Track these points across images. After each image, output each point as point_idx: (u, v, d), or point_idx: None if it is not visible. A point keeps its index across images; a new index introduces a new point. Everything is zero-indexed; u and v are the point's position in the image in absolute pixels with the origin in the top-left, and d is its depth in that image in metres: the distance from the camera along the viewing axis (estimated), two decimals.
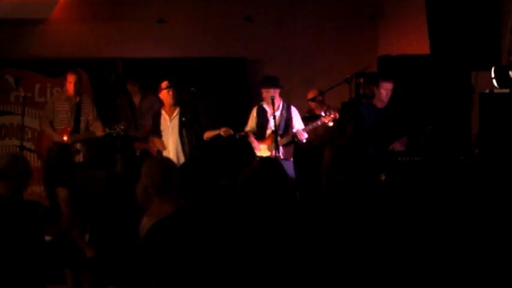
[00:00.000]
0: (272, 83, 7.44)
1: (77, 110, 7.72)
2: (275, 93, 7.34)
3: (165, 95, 7.55)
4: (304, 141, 7.42)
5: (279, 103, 7.48)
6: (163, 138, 7.58)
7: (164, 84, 7.57)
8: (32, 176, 4.45)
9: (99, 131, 7.63)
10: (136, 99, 8.27)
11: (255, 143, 7.53)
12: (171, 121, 7.57)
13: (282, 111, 7.46)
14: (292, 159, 7.40)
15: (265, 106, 7.46)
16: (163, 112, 7.62)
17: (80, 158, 7.68)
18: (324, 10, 9.53)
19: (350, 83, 7.60)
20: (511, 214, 5.26)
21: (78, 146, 7.69)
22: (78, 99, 7.75)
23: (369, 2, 9.54)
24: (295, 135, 7.35)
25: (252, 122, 7.65)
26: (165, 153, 7.54)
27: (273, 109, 7.28)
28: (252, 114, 7.65)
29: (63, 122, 7.71)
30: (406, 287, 4.49)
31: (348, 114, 7.53)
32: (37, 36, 8.89)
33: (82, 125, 7.75)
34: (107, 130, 7.64)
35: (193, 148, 7.51)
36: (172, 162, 4.19)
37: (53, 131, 7.67)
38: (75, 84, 7.67)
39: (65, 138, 7.55)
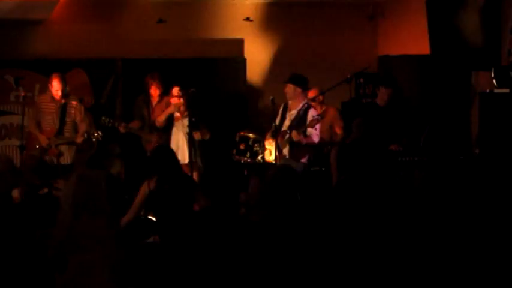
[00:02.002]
0: (290, 78, 7.45)
1: (62, 112, 7.65)
2: (289, 89, 7.35)
3: (176, 101, 7.72)
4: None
5: (301, 103, 7.43)
6: (173, 134, 7.73)
7: (176, 91, 7.68)
8: (17, 174, 4.45)
9: (78, 135, 7.62)
10: (154, 101, 8.23)
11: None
12: (182, 119, 7.68)
13: (300, 110, 7.43)
14: (303, 160, 7.36)
15: (289, 104, 7.47)
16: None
17: (64, 160, 7.62)
18: (324, 10, 9.53)
19: (350, 83, 7.59)
20: (511, 214, 5.26)
21: (62, 148, 7.62)
22: (64, 100, 7.67)
23: (369, 2, 9.54)
24: (290, 136, 7.35)
25: (277, 119, 7.65)
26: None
27: (274, 109, 7.29)
28: (279, 111, 7.68)
29: (49, 124, 7.65)
30: (406, 287, 4.48)
31: (353, 114, 7.52)
32: (37, 36, 8.88)
33: (67, 127, 7.68)
34: (85, 136, 7.61)
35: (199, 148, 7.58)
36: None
37: (38, 133, 7.63)
38: (62, 90, 7.58)
39: (44, 143, 7.54)
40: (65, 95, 7.69)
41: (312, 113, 7.39)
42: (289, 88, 7.40)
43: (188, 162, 7.45)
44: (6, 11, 8.17)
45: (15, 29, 8.70)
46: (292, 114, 7.38)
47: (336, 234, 4.30)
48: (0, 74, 8.58)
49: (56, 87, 7.57)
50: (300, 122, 7.37)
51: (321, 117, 7.33)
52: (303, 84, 7.45)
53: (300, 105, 7.44)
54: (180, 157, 7.47)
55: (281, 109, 7.66)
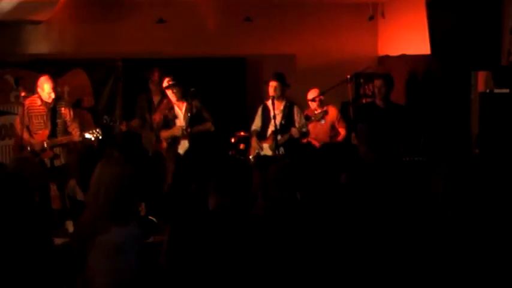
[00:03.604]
0: (275, 76, 7.44)
1: (53, 113, 7.45)
2: (273, 88, 7.35)
3: (169, 93, 7.70)
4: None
5: (282, 102, 7.46)
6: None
7: (166, 82, 7.67)
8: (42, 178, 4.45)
9: (75, 135, 7.43)
10: (156, 99, 8.22)
11: (253, 144, 7.56)
12: (182, 112, 7.70)
13: (284, 110, 7.45)
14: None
15: (269, 105, 7.44)
16: (174, 105, 7.78)
17: (59, 162, 7.45)
18: (324, 10, 9.53)
19: (350, 83, 7.59)
20: (511, 214, 5.26)
21: (57, 150, 7.42)
22: (54, 102, 7.44)
23: (369, 2, 9.54)
24: (290, 134, 7.37)
25: (257, 121, 7.66)
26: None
27: (273, 108, 7.28)
28: (257, 113, 7.67)
29: (40, 127, 7.41)
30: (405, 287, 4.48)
31: (353, 114, 7.51)
32: (37, 36, 8.88)
33: (59, 128, 7.46)
34: (84, 134, 7.50)
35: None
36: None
37: (29, 136, 7.37)
38: (54, 92, 7.36)
39: (37, 146, 7.33)
40: (57, 97, 7.47)
41: (297, 110, 7.44)
42: (274, 86, 7.41)
43: None
44: (6, 11, 8.16)
45: (15, 29, 8.71)
46: (277, 114, 7.37)
47: (339, 233, 4.30)
48: (0, 74, 8.58)
49: (47, 89, 7.35)
50: (288, 121, 7.40)
51: (324, 113, 7.42)
52: (285, 82, 7.48)
53: (283, 105, 7.47)
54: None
55: (260, 111, 7.65)
